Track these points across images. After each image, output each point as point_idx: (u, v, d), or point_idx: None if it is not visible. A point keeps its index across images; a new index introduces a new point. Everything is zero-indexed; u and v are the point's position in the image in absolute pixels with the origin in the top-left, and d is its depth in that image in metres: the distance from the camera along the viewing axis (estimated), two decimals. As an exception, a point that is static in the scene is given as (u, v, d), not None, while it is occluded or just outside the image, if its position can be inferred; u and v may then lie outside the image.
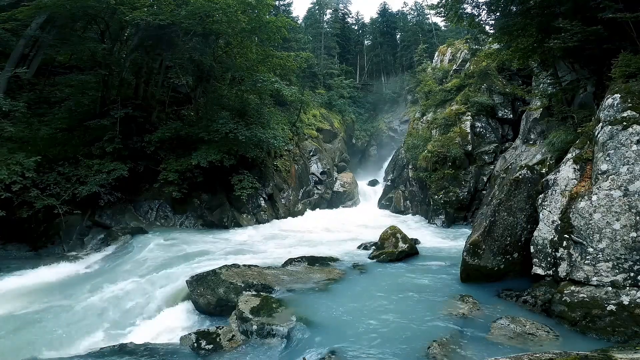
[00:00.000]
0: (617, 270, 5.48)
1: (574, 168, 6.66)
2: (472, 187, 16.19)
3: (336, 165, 26.45)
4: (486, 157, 16.78)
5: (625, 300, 5.24)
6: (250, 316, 6.03)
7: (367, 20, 54.24)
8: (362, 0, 70.16)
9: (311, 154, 23.52)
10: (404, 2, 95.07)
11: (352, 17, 51.56)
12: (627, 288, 5.33)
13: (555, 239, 6.26)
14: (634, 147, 5.73)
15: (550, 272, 6.26)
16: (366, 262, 9.62)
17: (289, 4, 38.79)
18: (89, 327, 6.66)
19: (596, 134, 6.46)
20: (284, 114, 21.97)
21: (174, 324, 6.83)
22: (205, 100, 16.42)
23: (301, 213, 19.59)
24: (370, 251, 10.60)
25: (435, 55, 27.44)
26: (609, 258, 5.57)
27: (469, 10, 11.99)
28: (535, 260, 6.51)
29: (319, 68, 34.70)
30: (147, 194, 14.22)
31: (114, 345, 5.69)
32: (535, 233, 6.61)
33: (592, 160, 6.44)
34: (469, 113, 17.56)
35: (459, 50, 23.63)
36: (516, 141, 15.75)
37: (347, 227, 16.22)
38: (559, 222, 6.29)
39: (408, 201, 19.96)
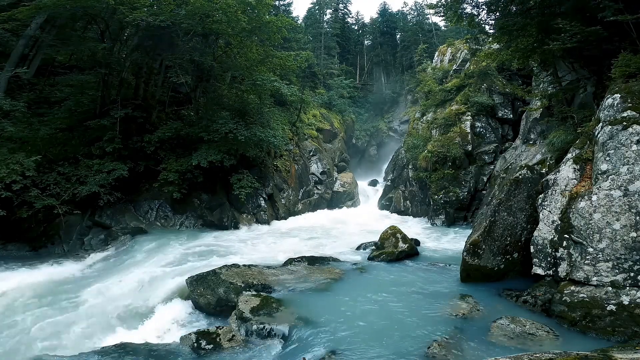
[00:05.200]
0: (617, 270, 5.48)
1: (574, 168, 6.66)
2: (472, 187, 16.20)
3: (336, 165, 26.44)
4: (486, 157, 16.79)
5: (625, 300, 5.24)
6: (250, 316, 6.03)
7: (367, 20, 54.24)
8: (362, 0, 70.06)
9: (311, 154, 23.51)
10: (404, 2, 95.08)
11: (352, 17, 51.50)
12: (627, 288, 5.33)
13: (555, 239, 6.27)
14: (634, 147, 5.73)
15: (550, 272, 6.27)
16: (366, 262, 9.62)
17: (289, 4, 38.75)
18: (89, 327, 6.67)
19: (596, 134, 6.46)
20: (284, 114, 21.95)
21: (174, 323, 6.84)
22: (205, 100, 16.42)
23: (301, 213, 19.58)
24: (370, 251, 10.59)
25: (435, 55, 27.41)
26: (609, 258, 5.57)
27: (468, 10, 11.99)
28: (535, 260, 6.52)
29: (319, 68, 34.67)
30: (147, 194, 14.22)
31: (113, 345, 5.68)
32: (535, 233, 6.61)
33: (592, 160, 6.45)
34: (469, 113, 17.56)
35: (459, 50, 23.61)
36: (516, 141, 15.76)
37: (347, 227, 16.22)
38: (559, 222, 6.30)
39: (408, 201, 19.96)
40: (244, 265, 8.32)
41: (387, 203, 21.97)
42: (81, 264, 10.57)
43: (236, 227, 14.76)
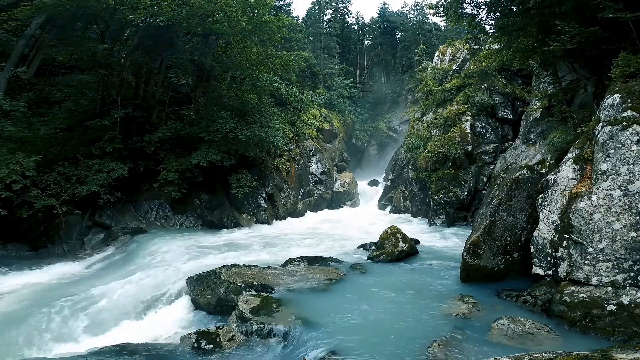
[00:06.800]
0: (617, 270, 5.48)
1: (574, 168, 6.66)
2: (472, 187, 16.20)
3: (336, 165, 26.45)
4: (486, 157, 16.79)
5: (625, 300, 5.23)
6: (250, 316, 6.02)
7: (367, 20, 54.34)
8: (362, 0, 70.13)
9: (311, 154, 23.52)
10: (404, 2, 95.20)
11: (352, 17, 51.59)
12: (627, 288, 5.33)
13: (555, 239, 6.26)
14: (634, 147, 5.73)
15: (550, 272, 6.26)
16: (366, 262, 9.61)
17: (289, 4, 38.81)
18: (89, 327, 6.67)
19: (596, 134, 6.46)
20: (284, 114, 21.96)
21: (174, 323, 6.84)
22: (205, 100, 16.42)
23: (301, 213, 19.59)
24: (370, 251, 10.59)
25: (435, 55, 27.42)
26: (609, 258, 5.57)
27: (468, 10, 12.00)
28: (535, 260, 6.51)
29: (319, 68, 34.70)
30: (147, 194, 14.22)
31: (113, 345, 5.68)
32: (535, 233, 6.61)
33: (592, 160, 6.44)
34: (469, 113, 17.56)
35: (459, 50, 23.62)
36: (516, 141, 15.76)
37: (347, 227, 16.22)
38: (559, 222, 6.29)
39: (408, 201, 19.96)
40: (244, 265, 8.32)
41: (387, 203, 21.98)
42: (81, 264, 10.58)
43: (236, 227, 14.76)
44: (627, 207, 5.56)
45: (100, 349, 5.64)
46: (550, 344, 5.00)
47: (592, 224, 5.82)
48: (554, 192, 6.65)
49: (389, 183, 23.32)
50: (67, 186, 11.89)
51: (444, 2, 12.01)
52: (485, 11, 11.68)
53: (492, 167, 16.41)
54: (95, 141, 13.32)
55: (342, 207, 23.05)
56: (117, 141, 13.11)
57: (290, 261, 9.19)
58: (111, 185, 12.48)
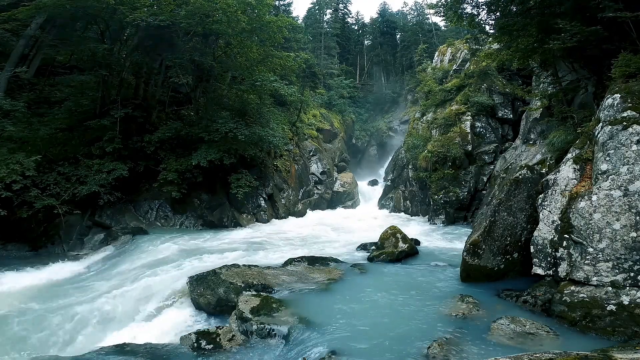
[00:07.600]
0: (617, 270, 5.47)
1: (574, 168, 6.65)
2: (472, 187, 16.20)
3: (336, 165, 26.45)
4: (486, 157, 16.79)
5: (625, 300, 5.23)
6: (250, 316, 6.02)
7: (367, 20, 54.30)
8: (362, 0, 70.19)
9: (311, 154, 23.52)
10: (404, 2, 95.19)
11: (352, 17, 51.58)
12: (627, 288, 5.33)
13: (555, 239, 6.26)
14: (634, 147, 5.72)
15: (550, 272, 6.26)
16: (366, 262, 9.61)
17: (289, 4, 38.77)
18: (89, 327, 6.67)
19: (596, 134, 6.46)
20: (284, 114, 21.98)
21: (174, 323, 6.82)
22: (205, 100, 16.43)
23: (301, 213, 19.59)
24: (370, 251, 10.59)
25: (435, 55, 27.44)
26: (609, 258, 5.56)
27: (468, 10, 12.01)
28: (535, 260, 6.51)
29: (319, 68, 34.68)
30: (147, 194, 14.22)
31: (113, 345, 5.68)
32: (535, 233, 6.61)
33: (592, 160, 6.44)
34: (469, 113, 17.57)
35: (459, 50, 23.63)
36: (516, 141, 15.76)
37: (347, 227, 16.22)
38: (559, 222, 6.29)
39: (408, 201, 19.96)
40: (244, 265, 8.31)
41: (387, 203, 21.98)
42: (81, 264, 10.58)
43: (236, 227, 14.76)
44: (627, 207, 5.56)
45: (100, 349, 5.64)
46: (550, 344, 5.00)
47: (592, 224, 5.82)
48: (554, 192, 6.65)
49: (389, 183, 23.32)
50: (67, 186, 11.89)
51: (444, 2, 12.03)
52: (485, 11, 11.69)
53: (492, 167, 16.42)
54: (95, 141, 13.33)
55: (342, 207, 23.05)
56: (117, 141, 13.11)
57: (290, 261, 9.18)
58: (111, 185, 12.48)
